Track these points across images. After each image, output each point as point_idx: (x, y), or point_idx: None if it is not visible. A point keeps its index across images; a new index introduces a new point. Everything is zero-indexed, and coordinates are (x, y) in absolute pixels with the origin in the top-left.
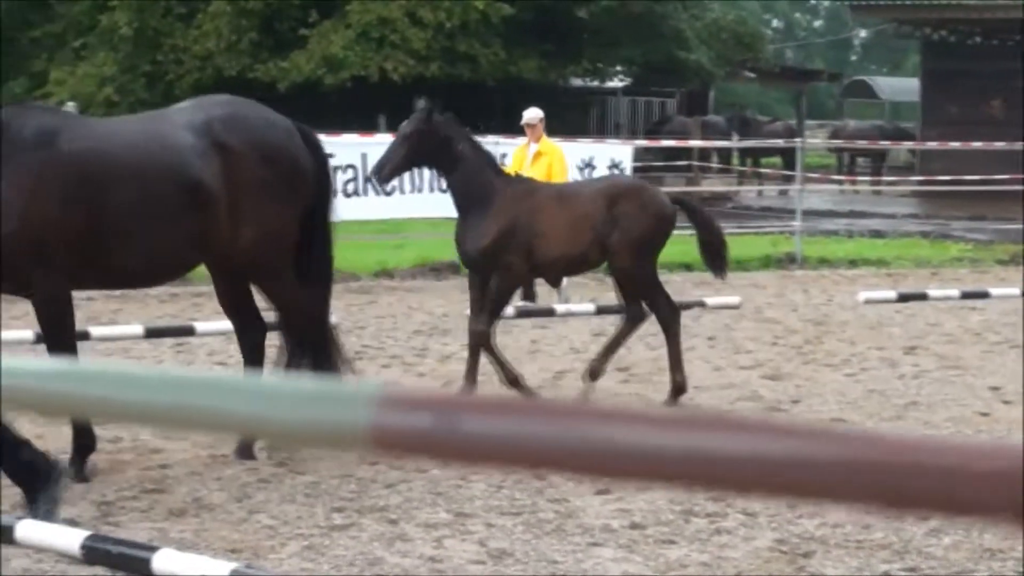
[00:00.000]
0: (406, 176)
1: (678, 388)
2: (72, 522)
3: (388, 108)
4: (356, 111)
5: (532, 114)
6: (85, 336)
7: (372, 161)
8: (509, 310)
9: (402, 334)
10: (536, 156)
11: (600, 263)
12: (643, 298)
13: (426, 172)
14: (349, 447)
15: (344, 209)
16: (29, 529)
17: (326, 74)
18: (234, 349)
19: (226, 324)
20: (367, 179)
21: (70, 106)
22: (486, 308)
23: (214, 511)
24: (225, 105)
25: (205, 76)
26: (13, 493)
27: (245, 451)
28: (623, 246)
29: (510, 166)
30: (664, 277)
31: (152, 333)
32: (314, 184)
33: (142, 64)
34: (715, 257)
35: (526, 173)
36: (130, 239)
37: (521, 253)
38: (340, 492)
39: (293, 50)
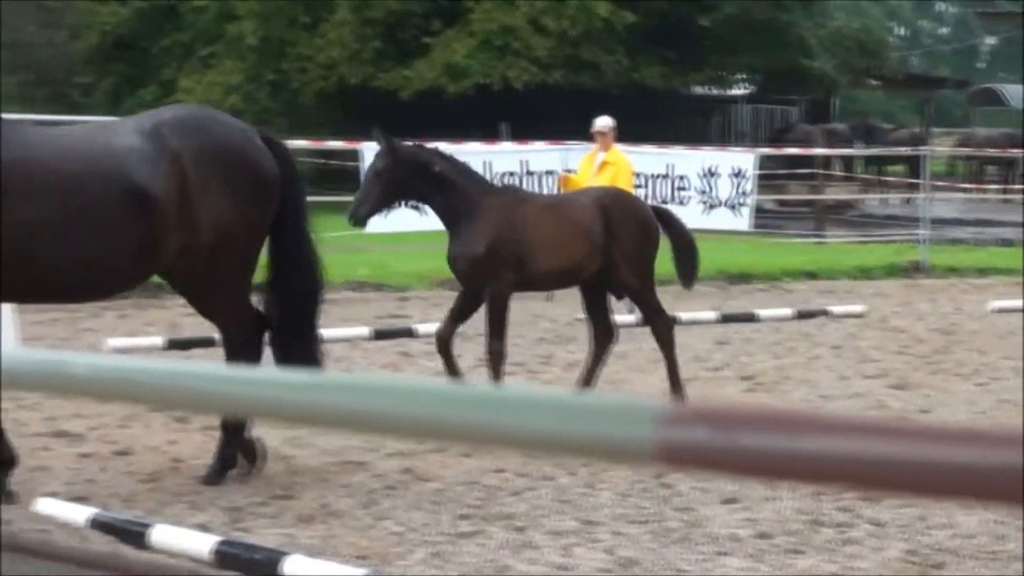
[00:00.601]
0: (529, 185)
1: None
2: (203, 527)
3: (511, 116)
4: (479, 119)
5: (603, 122)
6: (211, 343)
7: (496, 169)
8: (631, 318)
9: (526, 341)
10: (602, 165)
11: (595, 274)
12: (641, 310)
13: (549, 181)
14: (634, 462)
15: None
16: (163, 534)
17: (449, 82)
18: (359, 355)
19: (349, 330)
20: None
21: None
22: (488, 326)
23: (342, 517)
24: (179, 110)
25: (329, 84)
26: (150, 498)
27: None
28: (626, 261)
29: (577, 173)
30: (789, 286)
31: None
32: (282, 192)
33: (267, 73)
34: (687, 266)
35: (592, 182)
36: (67, 247)
37: (511, 263)
38: (466, 499)
39: (416, 58)
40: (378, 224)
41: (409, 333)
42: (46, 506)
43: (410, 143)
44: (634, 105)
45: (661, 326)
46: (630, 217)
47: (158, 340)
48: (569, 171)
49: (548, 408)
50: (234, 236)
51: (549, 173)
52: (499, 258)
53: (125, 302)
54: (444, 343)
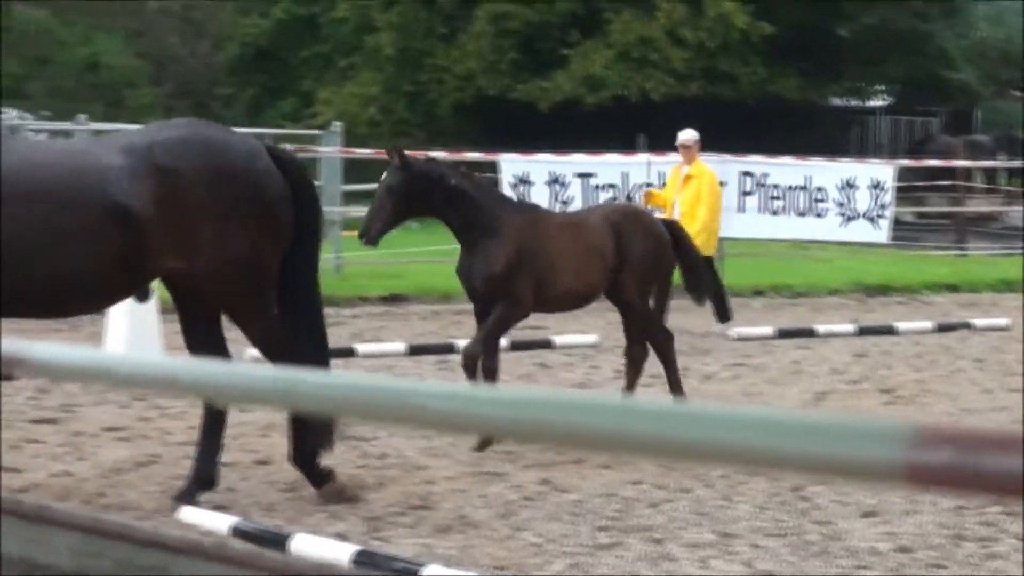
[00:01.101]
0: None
1: None
2: (342, 536)
3: (648, 127)
4: (616, 130)
5: (687, 135)
6: (350, 353)
7: (633, 180)
8: (769, 329)
9: None
10: (686, 179)
11: (604, 293)
12: (643, 327)
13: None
14: (882, 482)
15: None
16: (302, 542)
17: (586, 93)
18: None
19: None
20: (627, 198)
21: (336, 126)
22: (483, 331)
23: (479, 528)
24: (177, 127)
25: (466, 96)
26: (290, 507)
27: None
28: (633, 279)
29: (664, 188)
30: (929, 298)
31: (415, 350)
32: (294, 210)
33: (405, 84)
34: (696, 283)
35: (677, 196)
36: (42, 260)
37: (530, 283)
38: (605, 511)
39: (554, 70)
40: None
41: (547, 344)
42: (189, 514)
43: (423, 158)
44: (771, 117)
45: (661, 337)
46: (640, 235)
47: None
48: (656, 186)
49: (799, 428)
50: (233, 255)
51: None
52: (519, 277)
53: None
54: (474, 361)
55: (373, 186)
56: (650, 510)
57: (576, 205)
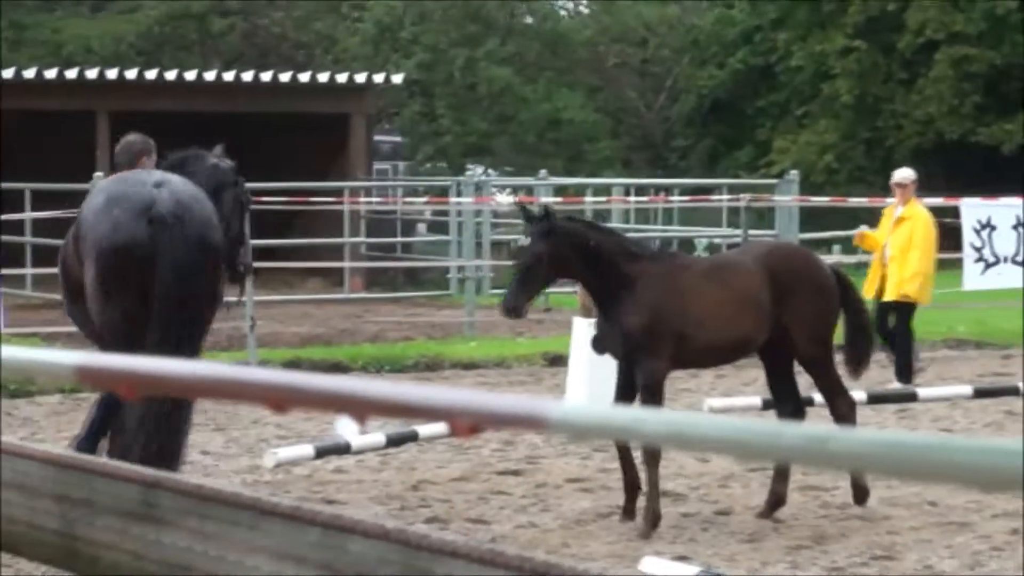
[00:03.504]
0: None
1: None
2: None
3: None
4: None
5: (903, 174)
6: (809, 403)
7: None
8: None
9: None
10: (899, 221)
11: (765, 345)
12: (819, 387)
13: None
14: None
15: None
16: None
17: None
18: (959, 415)
19: (949, 389)
20: None
21: (793, 174)
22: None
23: None
24: None
25: (925, 140)
26: (752, 558)
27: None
28: (804, 329)
29: (877, 229)
30: None
31: (874, 399)
32: (159, 270)
33: (862, 131)
34: (857, 348)
35: (888, 238)
36: None
37: (671, 340)
38: None
39: (1019, 111)
40: (977, 280)
41: (1014, 391)
42: (651, 565)
43: (563, 216)
44: None
45: (844, 406)
46: (802, 277)
47: (756, 400)
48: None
49: None
50: (87, 294)
51: None
52: (658, 333)
53: None
54: (657, 457)
55: (829, 234)
56: None
57: None
